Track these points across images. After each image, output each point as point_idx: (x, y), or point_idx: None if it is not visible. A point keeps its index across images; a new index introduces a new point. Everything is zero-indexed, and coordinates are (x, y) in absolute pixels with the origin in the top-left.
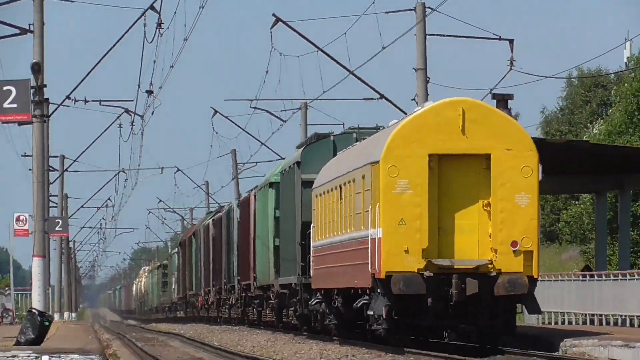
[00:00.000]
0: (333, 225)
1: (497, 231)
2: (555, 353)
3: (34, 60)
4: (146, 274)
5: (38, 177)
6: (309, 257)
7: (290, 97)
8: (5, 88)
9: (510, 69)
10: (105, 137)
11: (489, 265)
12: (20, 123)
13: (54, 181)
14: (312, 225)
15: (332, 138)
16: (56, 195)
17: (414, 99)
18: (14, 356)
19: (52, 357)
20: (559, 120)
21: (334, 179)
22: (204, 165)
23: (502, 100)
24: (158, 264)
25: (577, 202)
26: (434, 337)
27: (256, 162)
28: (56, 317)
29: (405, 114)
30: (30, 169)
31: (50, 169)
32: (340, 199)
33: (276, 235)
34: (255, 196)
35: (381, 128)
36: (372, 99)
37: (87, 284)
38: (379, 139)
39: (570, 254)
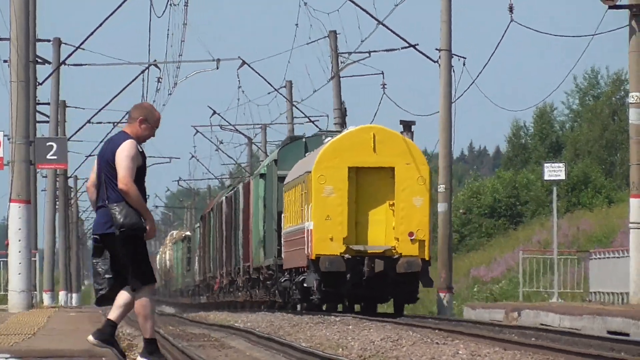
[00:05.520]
0: (293, 216)
1: (399, 224)
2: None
3: None
4: (171, 244)
5: (19, 73)
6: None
7: None
8: None
9: None
10: (126, 11)
11: (393, 250)
12: None
13: (45, 80)
14: (283, 214)
15: (304, 140)
16: (48, 104)
17: None
18: None
19: None
20: None
21: (293, 180)
22: (284, 57)
23: (407, 125)
24: (183, 234)
25: None
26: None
27: (369, 52)
28: (46, 299)
29: None
30: (5, 61)
31: (39, 60)
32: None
33: (264, 221)
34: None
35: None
36: None
37: None
38: (314, 154)
39: None
